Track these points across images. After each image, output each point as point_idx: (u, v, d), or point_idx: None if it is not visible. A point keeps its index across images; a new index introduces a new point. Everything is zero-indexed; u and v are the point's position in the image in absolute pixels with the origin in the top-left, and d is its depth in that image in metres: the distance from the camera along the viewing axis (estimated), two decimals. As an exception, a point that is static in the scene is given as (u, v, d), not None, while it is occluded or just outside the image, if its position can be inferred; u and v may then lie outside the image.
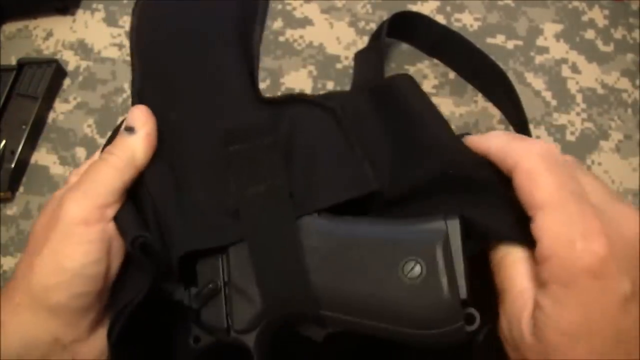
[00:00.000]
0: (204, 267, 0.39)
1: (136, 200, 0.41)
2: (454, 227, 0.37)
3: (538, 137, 0.59)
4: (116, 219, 0.39)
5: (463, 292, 0.35)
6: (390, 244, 0.37)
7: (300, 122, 0.42)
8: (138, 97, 0.43)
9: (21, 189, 0.60)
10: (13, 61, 0.64)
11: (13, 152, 0.60)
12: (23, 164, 0.61)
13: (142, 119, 0.41)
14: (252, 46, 0.44)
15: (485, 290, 0.37)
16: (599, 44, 0.63)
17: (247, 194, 0.39)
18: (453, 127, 0.59)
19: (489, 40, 0.63)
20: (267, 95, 0.61)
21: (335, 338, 0.40)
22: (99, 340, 0.39)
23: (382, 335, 0.37)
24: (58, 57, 0.65)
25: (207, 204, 0.40)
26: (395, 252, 0.37)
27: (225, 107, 0.42)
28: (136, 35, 0.45)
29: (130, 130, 0.41)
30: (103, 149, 0.43)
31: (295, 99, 0.44)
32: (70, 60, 0.65)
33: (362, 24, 0.65)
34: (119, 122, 0.44)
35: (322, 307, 0.37)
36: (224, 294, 0.39)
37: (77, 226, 0.37)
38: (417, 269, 0.36)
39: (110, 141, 0.43)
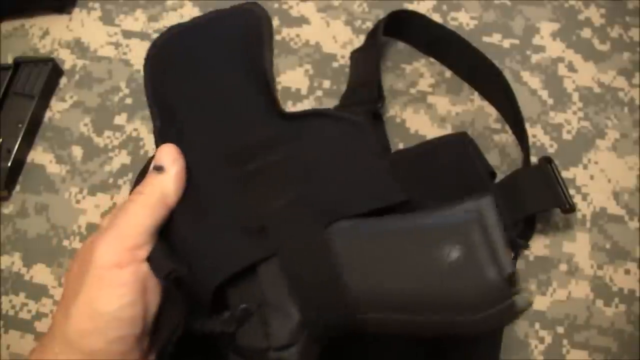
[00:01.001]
0: (235, 290, 0.38)
1: (167, 239, 0.40)
2: (487, 205, 0.36)
3: (534, 135, 0.59)
4: (149, 259, 0.38)
5: (507, 268, 0.34)
6: (423, 233, 0.36)
7: (321, 134, 0.42)
8: (161, 140, 0.43)
9: (17, 187, 0.60)
10: (9, 60, 0.64)
11: (9, 151, 0.60)
12: (19, 162, 0.61)
13: (171, 157, 0.41)
14: (264, 69, 0.44)
15: None
16: (596, 42, 0.63)
17: (269, 209, 0.39)
18: (449, 126, 0.60)
19: (485, 39, 0.63)
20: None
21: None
22: None
23: (430, 332, 0.36)
24: (54, 55, 0.65)
25: (230, 226, 0.39)
26: (429, 239, 0.35)
27: (237, 128, 0.42)
28: (151, 86, 0.45)
29: (159, 169, 0.40)
30: (131, 191, 0.43)
31: (316, 113, 0.44)
32: (67, 59, 0.65)
33: (358, 22, 0.65)
34: (146, 162, 0.45)
35: (362, 310, 0.36)
36: (258, 314, 0.37)
37: (109, 270, 0.37)
38: (455, 251, 0.34)
39: (137, 183, 0.43)
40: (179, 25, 0.47)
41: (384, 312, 0.36)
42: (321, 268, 0.37)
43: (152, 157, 0.43)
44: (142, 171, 0.44)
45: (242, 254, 0.38)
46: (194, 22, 0.47)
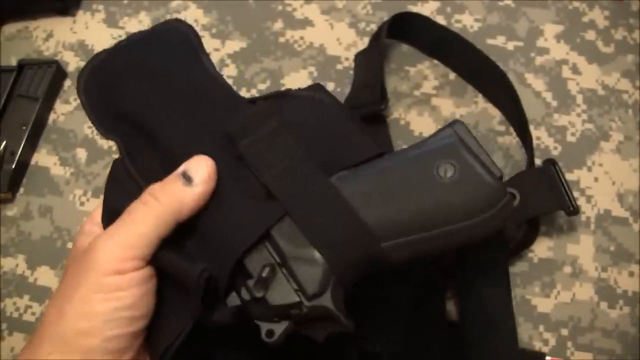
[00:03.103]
0: (252, 260, 0.39)
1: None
2: (461, 128, 0.41)
3: (539, 138, 0.59)
4: (163, 263, 0.38)
5: (497, 171, 0.39)
6: (415, 161, 0.40)
7: (294, 107, 0.43)
8: (129, 159, 0.42)
9: (21, 190, 0.60)
10: (13, 62, 0.64)
11: (13, 153, 0.60)
12: (23, 165, 0.61)
13: (206, 173, 0.39)
14: (212, 72, 0.45)
15: None
16: (600, 44, 0.63)
17: (271, 176, 0.39)
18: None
19: (489, 41, 0.63)
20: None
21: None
22: None
23: (446, 244, 0.39)
24: (58, 58, 0.65)
25: (238, 201, 0.39)
26: (424, 164, 0.40)
27: (215, 117, 0.42)
28: (91, 111, 0.44)
29: (187, 179, 0.38)
30: (106, 185, 0.42)
31: (279, 94, 0.45)
32: (71, 61, 0.65)
33: (362, 24, 0.65)
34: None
35: (383, 239, 0.38)
36: (282, 273, 0.38)
37: (110, 277, 0.36)
38: (450, 168, 0.39)
39: (111, 180, 0.42)
40: (104, 50, 0.46)
41: (402, 237, 0.39)
42: (338, 209, 0.39)
43: (117, 160, 0.42)
44: (112, 177, 0.43)
45: (257, 221, 0.39)
46: (121, 44, 0.46)
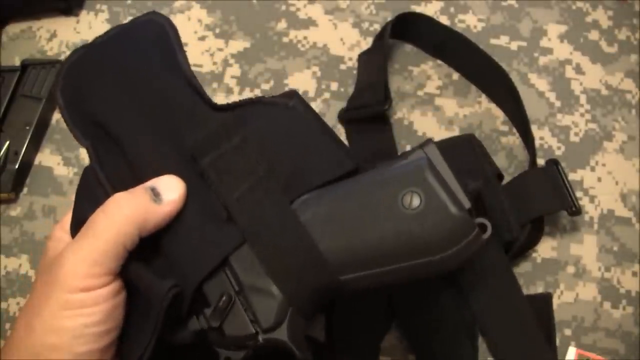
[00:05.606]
0: (211, 286, 0.38)
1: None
2: (432, 151, 0.38)
3: (542, 137, 0.60)
4: (132, 276, 0.37)
5: (466, 202, 0.36)
6: (380, 188, 0.37)
7: (263, 118, 0.41)
8: (99, 166, 0.41)
9: (25, 189, 0.60)
10: (17, 62, 0.64)
11: (17, 153, 0.60)
12: (27, 164, 0.61)
13: (176, 195, 0.38)
14: (184, 70, 0.43)
15: None
16: (603, 45, 0.63)
17: (232, 198, 0.38)
18: (457, 128, 0.60)
19: (493, 41, 0.63)
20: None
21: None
22: None
23: (407, 278, 0.37)
24: (62, 57, 0.65)
25: (199, 224, 0.38)
26: (388, 192, 0.37)
27: (181, 128, 0.41)
28: (67, 113, 0.43)
29: (156, 194, 0.38)
30: (76, 193, 0.41)
31: (251, 102, 0.43)
32: (74, 61, 0.65)
33: (366, 25, 0.65)
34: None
35: (340, 273, 0.37)
36: (239, 303, 0.38)
37: (76, 294, 0.35)
38: (416, 198, 0.36)
39: (81, 187, 0.41)
40: (82, 47, 0.45)
41: (361, 270, 0.37)
42: (296, 239, 0.37)
43: (88, 167, 0.41)
44: (82, 184, 0.42)
45: (216, 248, 0.38)
46: (98, 41, 0.45)
